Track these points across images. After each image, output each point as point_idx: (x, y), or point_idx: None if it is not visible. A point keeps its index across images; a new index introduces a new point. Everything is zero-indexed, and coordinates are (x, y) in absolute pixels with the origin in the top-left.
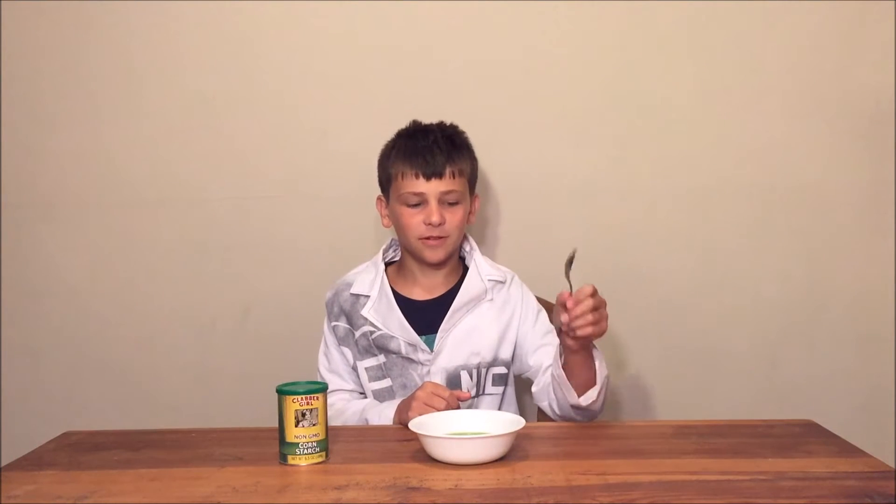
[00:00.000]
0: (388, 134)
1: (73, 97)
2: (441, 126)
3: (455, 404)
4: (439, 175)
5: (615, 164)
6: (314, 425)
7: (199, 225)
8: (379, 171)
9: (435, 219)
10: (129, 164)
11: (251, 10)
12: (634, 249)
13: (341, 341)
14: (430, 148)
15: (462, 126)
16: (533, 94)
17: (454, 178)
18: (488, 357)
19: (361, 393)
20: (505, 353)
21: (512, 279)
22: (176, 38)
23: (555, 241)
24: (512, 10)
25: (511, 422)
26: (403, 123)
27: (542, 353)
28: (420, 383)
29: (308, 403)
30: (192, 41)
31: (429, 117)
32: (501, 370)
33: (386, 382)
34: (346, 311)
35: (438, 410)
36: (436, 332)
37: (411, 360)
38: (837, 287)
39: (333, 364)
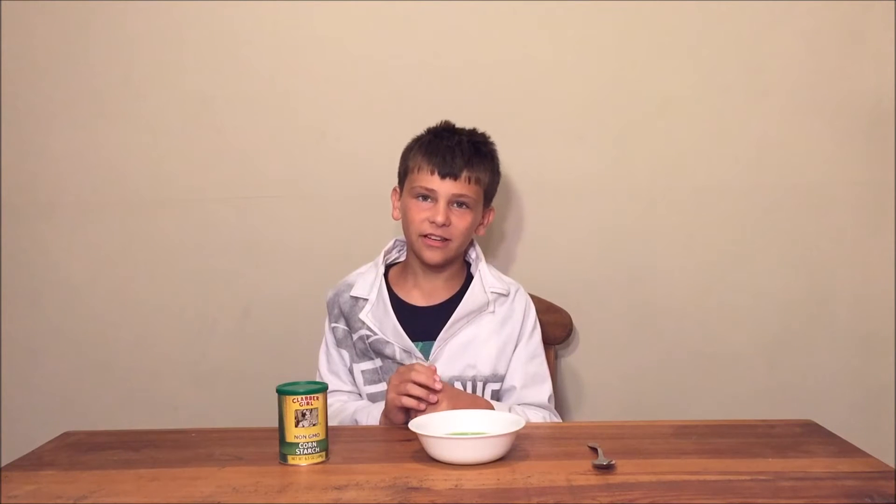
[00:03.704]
0: (388, 134)
1: (73, 97)
2: (471, 132)
3: (430, 374)
4: (454, 176)
5: (615, 165)
6: (314, 425)
7: (199, 225)
8: (399, 162)
9: (440, 218)
10: (129, 165)
11: (251, 10)
12: (634, 249)
13: (339, 343)
14: (452, 148)
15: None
16: (532, 94)
17: (469, 183)
18: (485, 371)
19: (360, 394)
20: (503, 369)
21: (516, 292)
22: (176, 38)
23: (554, 241)
24: (511, 10)
25: (511, 422)
26: (403, 124)
27: (513, 376)
28: None
29: (308, 403)
30: (191, 41)
31: (428, 118)
32: (500, 386)
33: (381, 386)
34: (345, 313)
35: (414, 395)
36: (434, 339)
37: None
38: (837, 287)
39: (332, 365)
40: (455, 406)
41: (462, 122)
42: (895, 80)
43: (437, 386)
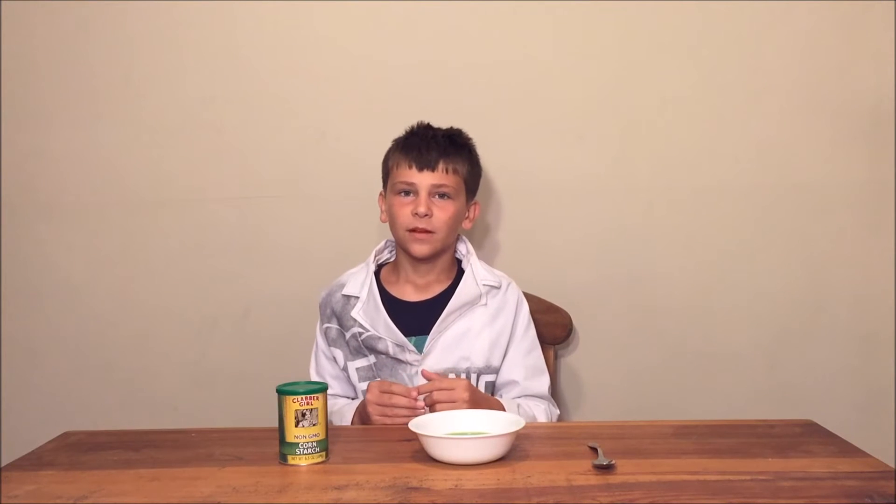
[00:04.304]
0: (388, 134)
1: (73, 98)
2: (448, 129)
3: (411, 394)
4: (431, 168)
5: (615, 164)
6: (314, 425)
7: (199, 225)
8: (382, 166)
9: (422, 209)
10: (129, 165)
11: (251, 10)
12: (634, 249)
13: (333, 343)
14: (427, 141)
15: (461, 127)
16: (532, 94)
17: (447, 173)
18: (479, 363)
19: (352, 398)
20: (496, 361)
21: (508, 285)
22: (176, 38)
23: (554, 241)
24: (510, 10)
25: (511, 422)
26: (402, 124)
27: (513, 370)
28: (409, 384)
29: (308, 403)
30: (191, 41)
31: (427, 118)
32: (494, 378)
33: None
34: (336, 312)
35: (400, 407)
36: (427, 333)
37: (400, 361)
38: (837, 287)
39: (319, 368)
40: (472, 396)
41: (461, 122)
42: (895, 80)
43: (420, 404)
